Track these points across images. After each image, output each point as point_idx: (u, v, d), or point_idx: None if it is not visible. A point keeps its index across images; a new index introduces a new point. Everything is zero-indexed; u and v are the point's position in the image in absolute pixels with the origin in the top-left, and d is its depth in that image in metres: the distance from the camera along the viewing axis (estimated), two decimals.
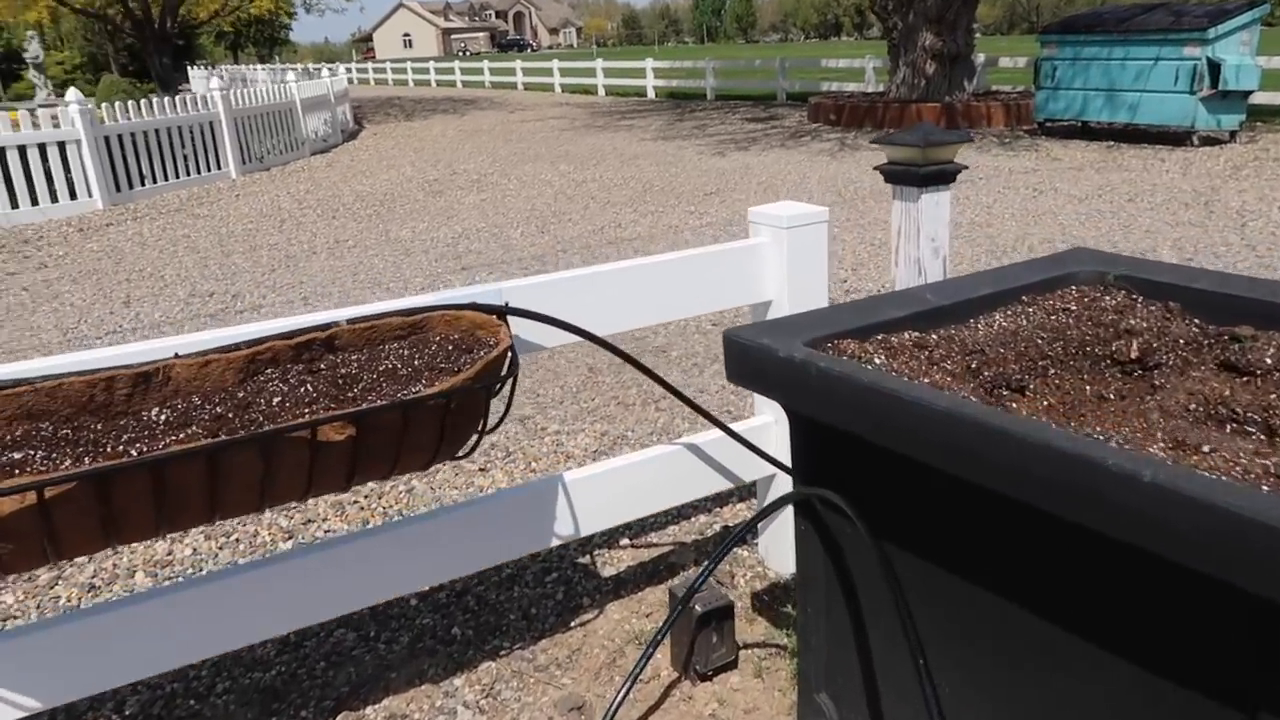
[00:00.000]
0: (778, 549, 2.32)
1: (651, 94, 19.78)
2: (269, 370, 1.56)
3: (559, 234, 6.55)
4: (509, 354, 1.62)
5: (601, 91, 21.87)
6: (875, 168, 2.42)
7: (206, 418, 1.45)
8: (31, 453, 1.33)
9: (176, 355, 1.50)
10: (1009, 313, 1.70)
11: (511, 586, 2.33)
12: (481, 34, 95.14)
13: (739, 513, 2.64)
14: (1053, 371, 1.50)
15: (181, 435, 1.41)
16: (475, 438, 1.62)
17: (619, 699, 1.67)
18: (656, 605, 2.22)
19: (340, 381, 1.54)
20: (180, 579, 2.46)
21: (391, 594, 1.80)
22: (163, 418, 1.45)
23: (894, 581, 1.38)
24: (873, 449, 1.32)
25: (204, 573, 2.47)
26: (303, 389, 1.52)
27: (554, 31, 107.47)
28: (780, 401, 1.47)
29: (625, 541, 2.50)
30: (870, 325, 1.59)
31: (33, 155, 8.21)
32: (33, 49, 19.50)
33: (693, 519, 2.61)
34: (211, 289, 5.42)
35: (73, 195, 8.55)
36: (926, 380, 1.38)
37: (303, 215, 7.97)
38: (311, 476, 1.43)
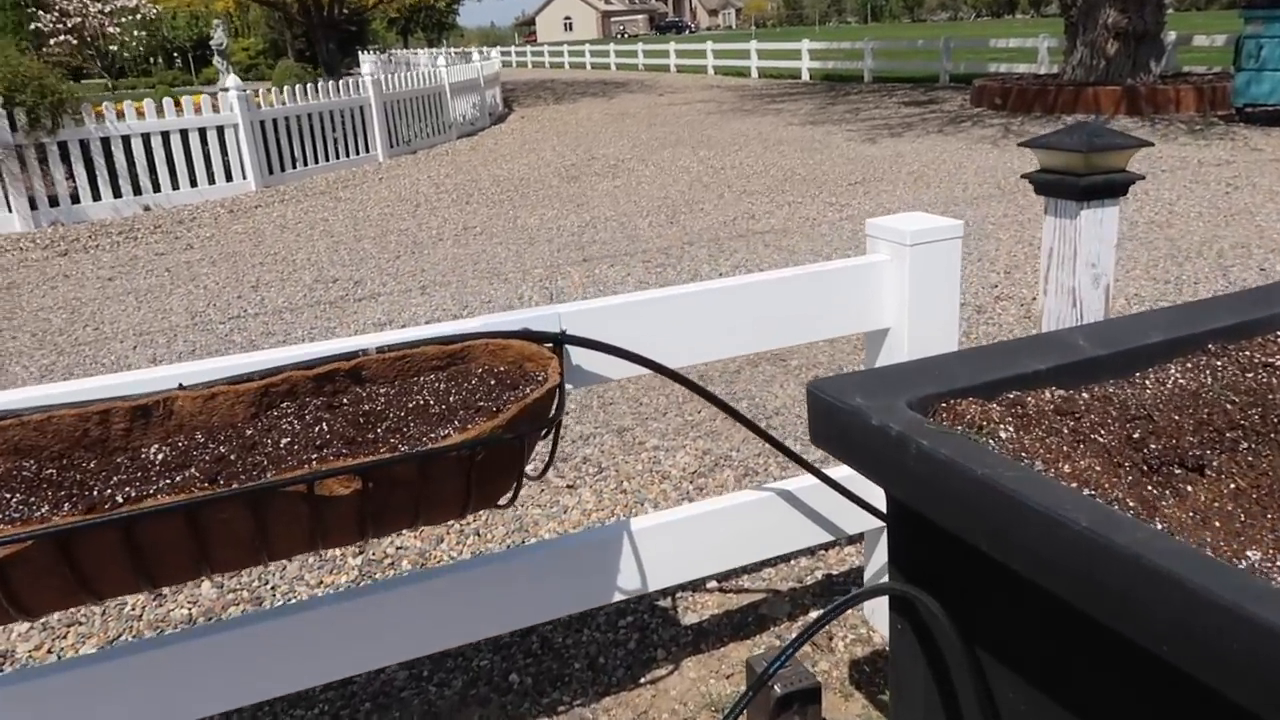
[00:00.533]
0: (885, 611, 2.01)
1: (806, 76, 19.15)
2: (285, 404, 1.39)
3: (688, 225, 6.29)
4: (556, 394, 1.38)
5: (754, 74, 21.36)
6: (1024, 176, 2.05)
7: (208, 459, 1.29)
8: (7, 496, 1.20)
9: (181, 386, 1.34)
10: (1189, 366, 1.34)
11: (581, 629, 2.11)
12: (640, 16, 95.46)
13: (845, 558, 2.33)
14: (1245, 445, 1.15)
15: (177, 478, 1.25)
16: (514, 488, 1.40)
17: None
18: (739, 665, 1.95)
19: (362, 420, 1.35)
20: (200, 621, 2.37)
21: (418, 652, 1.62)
22: (160, 456, 1.29)
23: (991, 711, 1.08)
24: (987, 556, 1.02)
25: (213, 620, 2.37)
26: (318, 428, 1.33)
27: (713, 13, 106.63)
28: (873, 480, 1.17)
29: (712, 584, 2.24)
30: (1001, 380, 1.27)
31: (194, 139, 8.60)
32: (218, 36, 20.71)
33: (791, 562, 2.32)
34: (336, 274, 5.46)
35: (228, 177, 8.93)
36: (1068, 467, 1.06)
37: (438, 200, 8.02)
38: (314, 532, 1.24)
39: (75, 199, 8.01)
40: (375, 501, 1.24)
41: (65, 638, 2.21)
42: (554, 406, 1.38)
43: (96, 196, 8.09)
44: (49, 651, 2.16)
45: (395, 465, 1.20)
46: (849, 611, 2.11)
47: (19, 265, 6.40)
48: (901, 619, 1.28)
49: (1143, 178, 1.95)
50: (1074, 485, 1.00)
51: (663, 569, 1.76)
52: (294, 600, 2.30)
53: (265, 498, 1.16)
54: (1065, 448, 1.12)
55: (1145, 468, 1.12)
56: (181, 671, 1.48)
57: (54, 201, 7.86)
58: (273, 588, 2.35)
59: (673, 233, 6.08)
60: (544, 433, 1.36)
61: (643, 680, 1.94)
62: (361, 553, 2.48)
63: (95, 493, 1.21)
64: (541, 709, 1.87)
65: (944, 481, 1.02)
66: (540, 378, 1.45)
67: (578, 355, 1.58)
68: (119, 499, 1.20)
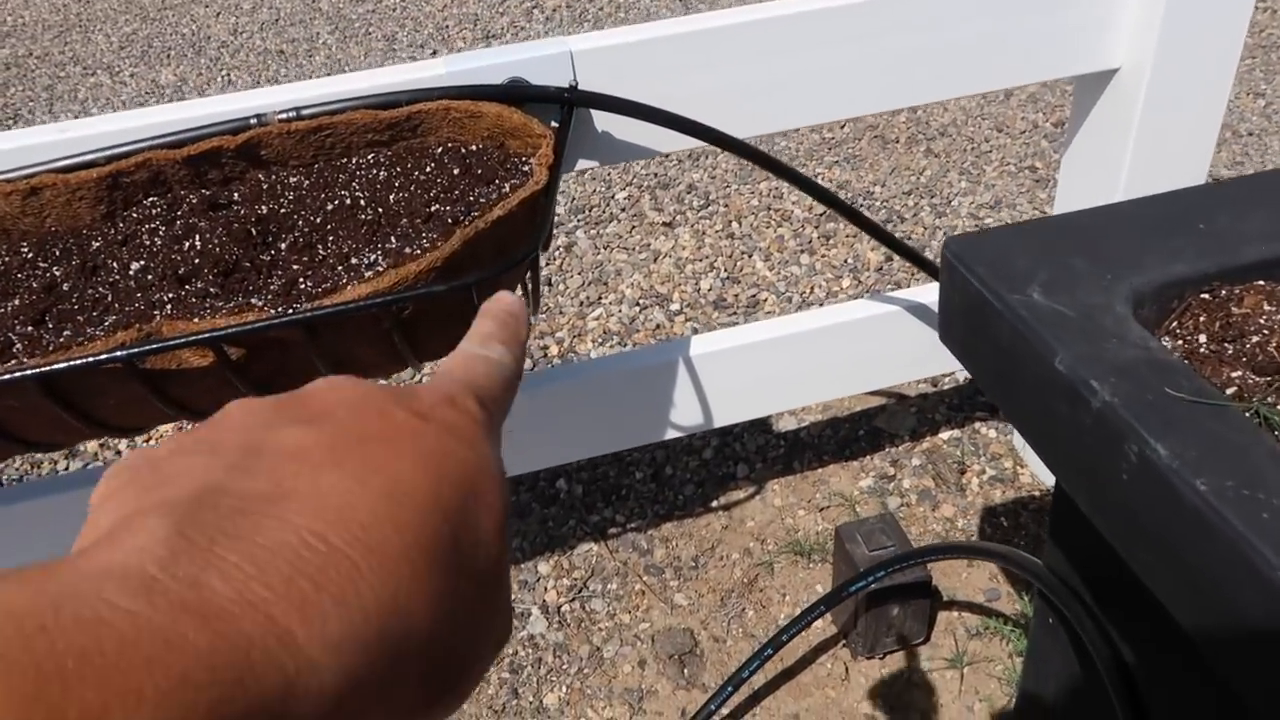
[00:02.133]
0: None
1: None
2: (149, 200, 0.94)
3: None
4: (544, 197, 0.87)
5: None
6: None
7: (35, 288, 0.88)
8: None
9: None
10: None
11: None
12: None
13: None
14: None
15: None
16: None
17: (743, 672, 1.09)
18: (837, 496, 1.55)
19: (254, 231, 0.90)
20: None
21: None
22: None
23: None
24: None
25: None
26: (187, 244, 0.89)
27: None
28: (1046, 463, 0.65)
29: None
30: None
31: None
32: None
33: None
34: None
35: None
36: None
37: None
38: (170, 406, 0.84)
39: None
40: (251, 373, 0.82)
41: None
42: (541, 219, 0.88)
43: None
44: None
45: (258, 332, 0.76)
46: (994, 434, 1.63)
47: None
48: (1051, 611, 0.81)
49: None
50: None
51: (730, 405, 1.32)
52: None
53: (63, 380, 0.76)
54: None
55: None
56: None
57: None
58: None
59: None
60: (522, 262, 0.86)
61: (714, 504, 1.58)
62: None
63: None
64: (588, 530, 1.55)
65: (1205, 552, 0.49)
66: (525, 168, 0.94)
67: (596, 121, 1.03)
68: None
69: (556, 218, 2.29)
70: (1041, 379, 0.59)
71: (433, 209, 0.92)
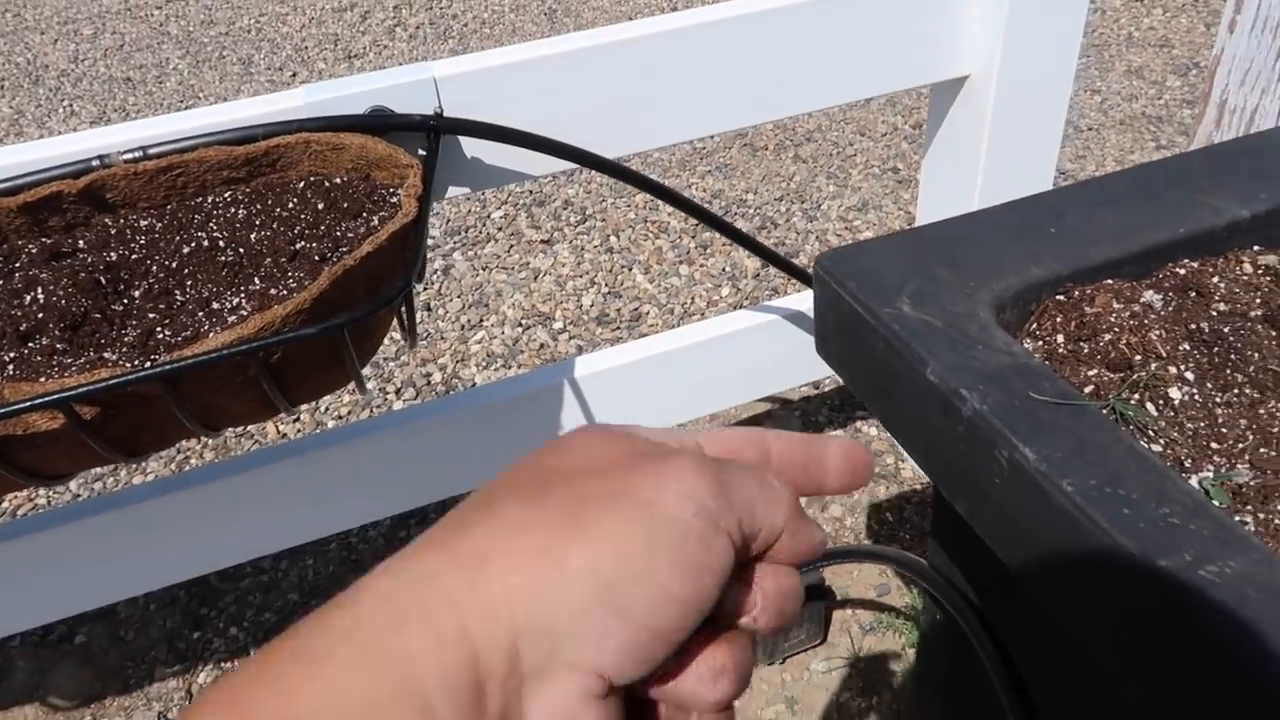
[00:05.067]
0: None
1: None
2: None
3: None
4: (415, 229, 0.85)
5: None
6: None
7: None
8: None
9: None
10: None
11: None
12: None
13: None
14: None
15: None
16: (355, 376, 0.92)
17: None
18: None
19: (103, 280, 0.84)
20: None
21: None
22: None
23: None
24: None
25: None
26: (29, 297, 0.83)
27: None
28: (925, 471, 0.67)
29: None
30: (1165, 244, 0.73)
31: None
32: None
33: None
34: None
35: None
36: None
37: None
38: (14, 475, 0.78)
39: None
40: (108, 431, 0.77)
41: None
42: (413, 252, 0.86)
43: None
44: None
45: (113, 389, 0.71)
46: (869, 430, 1.68)
47: None
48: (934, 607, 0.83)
49: None
50: None
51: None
52: None
53: None
54: None
55: None
56: None
57: None
58: None
59: None
60: (395, 300, 0.84)
61: None
62: None
63: None
64: None
65: (1075, 550, 0.51)
66: (395, 200, 0.91)
67: (465, 147, 1.02)
68: None
69: (432, 240, 2.25)
70: (916, 390, 0.60)
71: (298, 246, 0.88)
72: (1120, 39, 2.96)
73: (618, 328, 1.95)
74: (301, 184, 0.93)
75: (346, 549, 1.55)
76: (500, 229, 2.29)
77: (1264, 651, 0.42)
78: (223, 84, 3.26)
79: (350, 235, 0.90)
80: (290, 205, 0.91)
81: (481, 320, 2.00)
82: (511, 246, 2.23)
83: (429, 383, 1.86)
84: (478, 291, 2.09)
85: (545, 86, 1.03)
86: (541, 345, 1.93)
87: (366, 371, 1.87)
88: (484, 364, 1.89)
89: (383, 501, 1.26)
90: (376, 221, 0.90)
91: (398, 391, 1.83)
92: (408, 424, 1.20)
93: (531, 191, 2.42)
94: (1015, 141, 1.27)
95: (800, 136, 2.59)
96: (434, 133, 0.96)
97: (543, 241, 2.24)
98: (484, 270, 2.15)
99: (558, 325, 1.97)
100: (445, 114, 0.98)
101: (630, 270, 2.12)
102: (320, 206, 0.91)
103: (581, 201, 2.37)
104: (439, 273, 2.15)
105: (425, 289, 2.10)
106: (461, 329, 1.98)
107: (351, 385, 0.88)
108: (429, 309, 2.04)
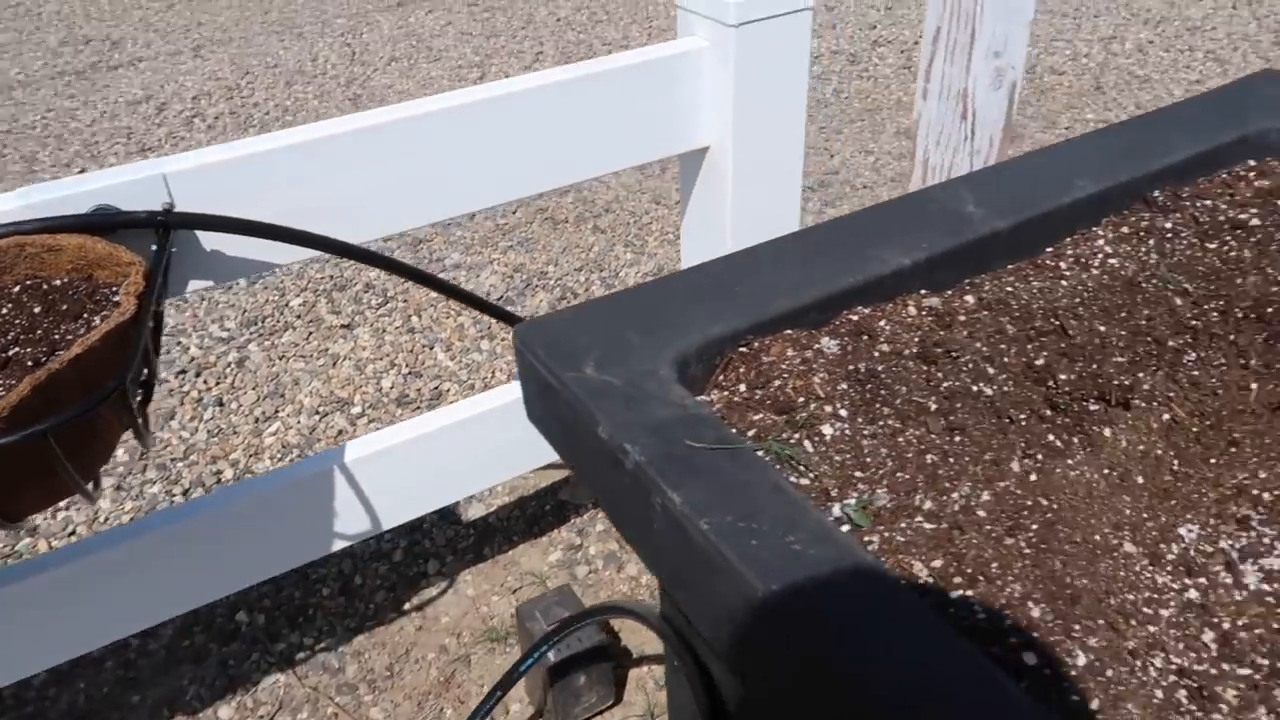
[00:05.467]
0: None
1: None
2: None
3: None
4: (134, 327, 0.84)
5: None
6: None
7: None
8: None
9: None
10: (1125, 232, 0.91)
11: None
12: None
13: None
14: (1191, 357, 0.76)
15: None
16: (85, 484, 0.89)
17: None
18: (529, 575, 1.57)
19: None
20: None
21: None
22: None
23: None
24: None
25: None
26: None
27: None
28: (618, 529, 0.71)
29: None
30: (842, 293, 0.81)
31: None
32: None
33: None
34: (89, 33, 4.43)
35: None
36: (928, 502, 0.63)
37: None
38: None
39: None
40: None
41: None
42: (132, 350, 0.85)
43: None
44: None
45: None
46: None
47: None
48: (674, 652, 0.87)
49: None
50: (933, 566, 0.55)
51: (398, 504, 1.31)
52: None
53: None
54: (931, 432, 0.68)
55: (1049, 409, 0.70)
56: None
57: None
58: None
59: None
60: (106, 401, 0.82)
61: (407, 606, 1.55)
62: None
63: None
64: (274, 659, 1.47)
65: (714, 584, 0.56)
66: (118, 298, 0.90)
67: (203, 241, 1.02)
68: None
69: (226, 333, 2.20)
70: (593, 447, 0.64)
71: (11, 353, 0.86)
72: (891, 103, 3.23)
73: (418, 408, 1.95)
74: (17, 288, 0.90)
75: (124, 666, 1.47)
76: (299, 316, 2.26)
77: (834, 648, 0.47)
78: (3, 184, 3.10)
79: (70, 338, 0.88)
80: (4, 310, 0.88)
81: (277, 411, 1.95)
82: (310, 334, 2.20)
83: (219, 480, 1.79)
84: (273, 382, 2.04)
85: (284, 176, 1.05)
86: (340, 432, 1.90)
87: (151, 475, 1.79)
88: (279, 455, 1.84)
89: (152, 609, 1.21)
90: (99, 321, 0.89)
91: (185, 493, 1.76)
92: (175, 523, 1.15)
93: (332, 276, 2.40)
94: (756, 205, 1.36)
95: (599, 208, 2.68)
96: (163, 228, 0.95)
97: (343, 326, 2.22)
98: (280, 360, 2.11)
99: (356, 410, 1.95)
100: (178, 209, 0.98)
101: (432, 349, 2.12)
102: (37, 310, 0.89)
103: (383, 283, 2.36)
104: (233, 365, 2.09)
105: (217, 383, 2.04)
106: (255, 422, 1.93)
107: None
108: (221, 404, 1.98)
